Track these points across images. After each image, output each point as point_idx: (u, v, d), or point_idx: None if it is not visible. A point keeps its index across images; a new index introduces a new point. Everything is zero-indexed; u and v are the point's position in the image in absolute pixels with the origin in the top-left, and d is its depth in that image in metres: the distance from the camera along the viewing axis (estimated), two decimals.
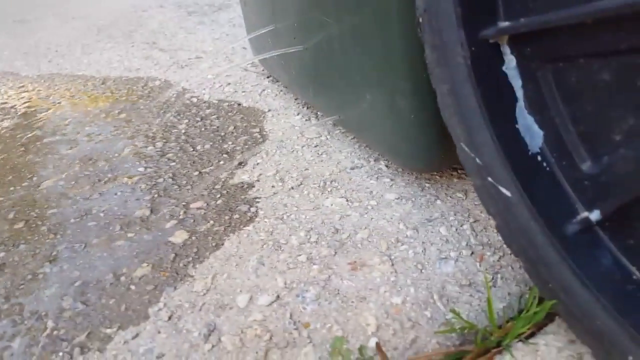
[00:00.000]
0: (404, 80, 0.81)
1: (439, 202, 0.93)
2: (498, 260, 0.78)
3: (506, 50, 0.56)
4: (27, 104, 1.65)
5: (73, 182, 1.15)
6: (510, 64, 0.57)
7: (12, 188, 1.15)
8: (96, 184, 1.13)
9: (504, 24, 0.54)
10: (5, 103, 1.69)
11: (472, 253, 0.81)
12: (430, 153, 0.89)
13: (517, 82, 0.57)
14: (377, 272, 0.79)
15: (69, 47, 2.25)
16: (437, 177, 1.01)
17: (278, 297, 0.77)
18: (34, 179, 1.18)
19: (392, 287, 0.76)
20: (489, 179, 0.60)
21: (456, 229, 0.86)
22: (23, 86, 1.83)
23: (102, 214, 1.02)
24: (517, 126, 0.58)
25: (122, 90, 1.67)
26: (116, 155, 1.24)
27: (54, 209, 1.06)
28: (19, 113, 1.59)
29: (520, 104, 0.57)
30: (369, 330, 0.69)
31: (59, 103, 1.62)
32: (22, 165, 1.25)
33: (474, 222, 0.88)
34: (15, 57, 2.21)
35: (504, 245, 0.81)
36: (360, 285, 0.77)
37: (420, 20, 0.63)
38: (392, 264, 0.80)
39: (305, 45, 1.08)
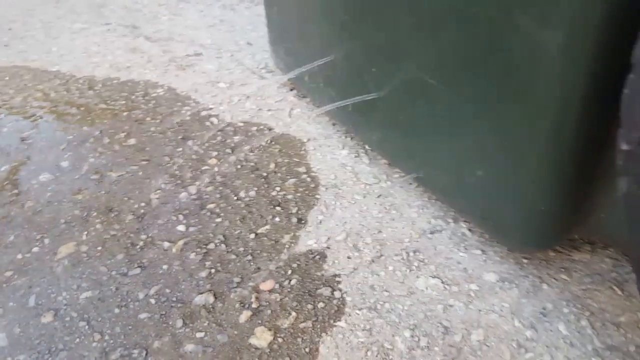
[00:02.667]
0: (543, 175, 0.70)
1: (545, 286, 0.86)
2: None
3: None
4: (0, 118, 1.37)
5: (100, 248, 0.96)
6: None
7: (20, 256, 0.95)
8: (131, 251, 0.95)
9: None
10: None
11: None
12: (547, 239, 0.81)
13: None
14: None
15: (25, 24, 1.90)
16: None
17: None
18: (46, 241, 0.98)
19: None
20: None
21: (575, 326, 0.80)
22: None
23: (153, 300, 0.86)
24: None
25: (118, 100, 1.42)
26: (143, 204, 1.05)
27: (87, 292, 0.88)
28: None
29: None
30: None
31: (41, 118, 1.36)
32: (21, 219, 1.03)
33: (590, 315, 0.81)
34: None
35: (631, 350, 0.76)
36: None
37: (628, 148, 0.53)
38: None
39: (382, 94, 0.93)
